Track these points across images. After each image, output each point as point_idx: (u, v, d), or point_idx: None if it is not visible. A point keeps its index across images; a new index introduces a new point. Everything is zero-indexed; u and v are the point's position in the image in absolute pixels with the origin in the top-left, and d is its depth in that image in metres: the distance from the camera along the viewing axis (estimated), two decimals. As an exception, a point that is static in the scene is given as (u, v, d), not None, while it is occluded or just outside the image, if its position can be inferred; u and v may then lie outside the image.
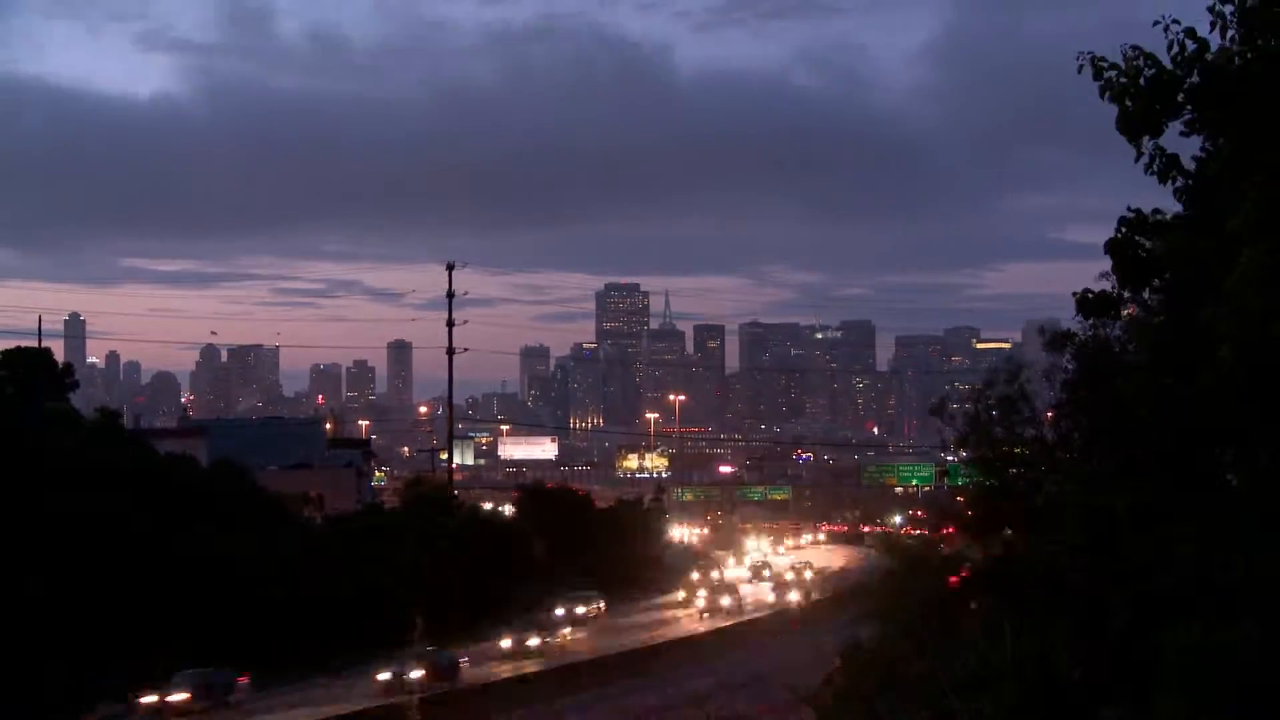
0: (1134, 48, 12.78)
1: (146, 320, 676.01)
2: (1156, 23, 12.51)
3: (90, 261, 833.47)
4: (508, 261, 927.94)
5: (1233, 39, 12.28)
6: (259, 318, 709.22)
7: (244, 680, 60.03)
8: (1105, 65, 12.81)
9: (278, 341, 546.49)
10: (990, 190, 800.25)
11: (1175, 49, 12.51)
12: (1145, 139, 12.84)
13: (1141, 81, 12.63)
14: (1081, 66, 12.88)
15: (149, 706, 55.76)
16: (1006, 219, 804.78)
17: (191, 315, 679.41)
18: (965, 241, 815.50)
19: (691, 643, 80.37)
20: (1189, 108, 12.73)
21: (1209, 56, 12.44)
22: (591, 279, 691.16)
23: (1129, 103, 12.72)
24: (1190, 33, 12.46)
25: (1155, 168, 12.91)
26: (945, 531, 31.79)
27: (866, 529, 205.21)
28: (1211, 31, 12.45)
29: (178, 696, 56.55)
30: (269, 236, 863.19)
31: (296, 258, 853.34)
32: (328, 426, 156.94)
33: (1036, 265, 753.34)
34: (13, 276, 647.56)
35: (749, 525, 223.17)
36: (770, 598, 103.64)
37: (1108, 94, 12.82)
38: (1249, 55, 12.35)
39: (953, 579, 27.68)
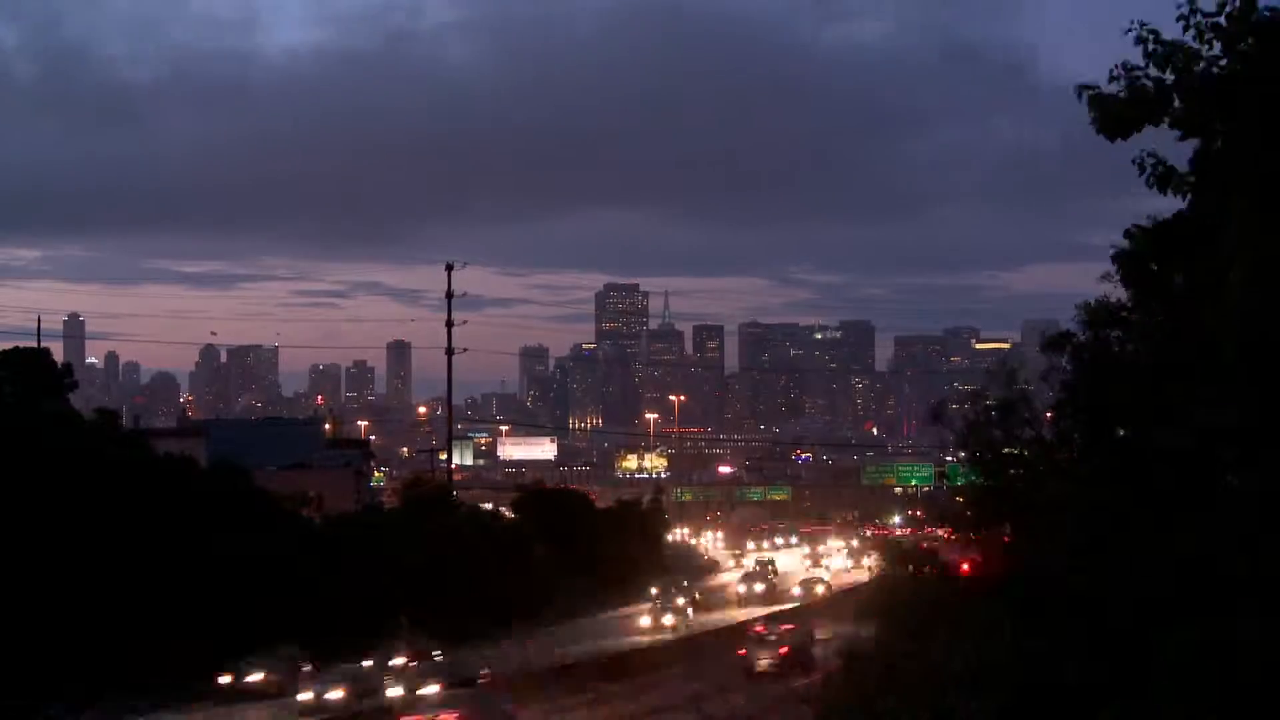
0: (1123, 66, 12.85)
1: (159, 321, 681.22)
2: (1128, 30, 12.57)
3: (113, 262, 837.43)
4: (529, 261, 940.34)
5: (1210, 41, 12.29)
6: (278, 318, 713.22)
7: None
8: (1102, 97, 12.92)
9: (277, 342, 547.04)
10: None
11: (1151, 47, 12.56)
12: (1145, 157, 12.88)
13: (1120, 94, 12.71)
14: (1081, 95, 12.96)
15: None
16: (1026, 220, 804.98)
17: (204, 316, 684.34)
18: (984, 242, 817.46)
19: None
20: (1168, 115, 12.79)
21: (1182, 61, 12.50)
22: (601, 278, 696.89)
23: (1112, 110, 12.80)
24: (1155, 35, 12.53)
25: (1152, 180, 12.94)
26: (942, 533, 31.83)
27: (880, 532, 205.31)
28: (1185, 32, 12.49)
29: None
30: (292, 238, 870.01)
31: (321, 259, 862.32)
32: (327, 427, 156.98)
33: (1056, 266, 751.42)
34: (36, 276, 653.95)
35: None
36: None
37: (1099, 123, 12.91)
38: (1226, 60, 12.38)
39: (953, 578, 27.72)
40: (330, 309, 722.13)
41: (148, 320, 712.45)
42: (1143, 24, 12.53)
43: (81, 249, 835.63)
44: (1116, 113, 12.68)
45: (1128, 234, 13.78)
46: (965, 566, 26.81)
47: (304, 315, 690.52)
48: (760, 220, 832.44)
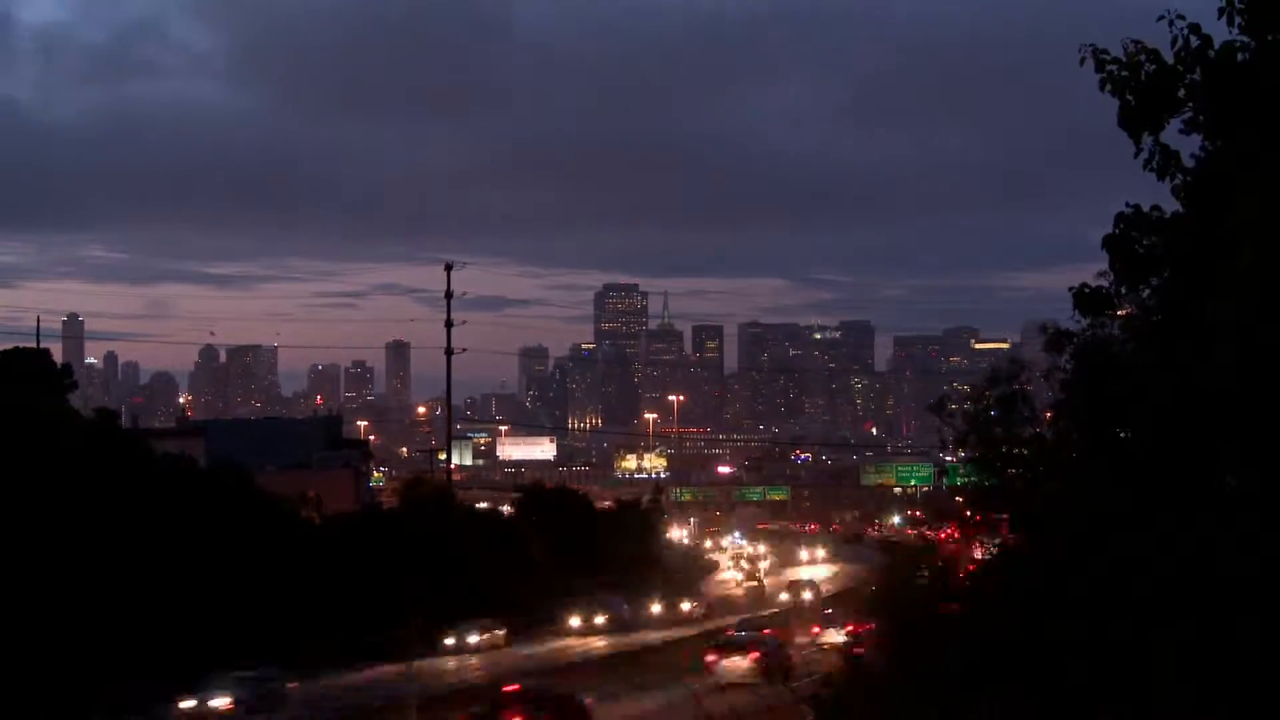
0: (1135, 41, 12.74)
1: (175, 323, 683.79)
2: (1161, 17, 12.48)
3: (137, 264, 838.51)
4: (550, 261, 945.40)
5: (1240, 27, 12.22)
6: (297, 320, 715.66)
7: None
8: (1108, 59, 12.78)
9: (276, 342, 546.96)
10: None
11: (1179, 43, 12.48)
12: (1145, 135, 12.81)
13: (1143, 76, 12.59)
14: (1084, 59, 12.83)
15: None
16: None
17: (220, 317, 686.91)
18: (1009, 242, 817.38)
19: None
20: (1190, 104, 12.69)
21: (1212, 53, 12.40)
22: (619, 278, 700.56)
23: (1130, 97, 12.68)
24: (1194, 28, 12.42)
25: (1154, 164, 12.87)
26: (944, 534, 31.88)
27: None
28: (1220, 19, 12.40)
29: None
30: (318, 239, 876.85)
31: (347, 260, 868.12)
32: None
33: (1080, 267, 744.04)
34: (61, 277, 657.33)
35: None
36: None
37: (1109, 87, 12.78)
38: (1254, 48, 12.32)
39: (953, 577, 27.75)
40: (349, 309, 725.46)
41: (166, 321, 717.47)
42: (1179, 15, 12.45)
43: (106, 249, 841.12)
44: (1140, 107, 12.59)
45: (1119, 217, 13.74)
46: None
47: (321, 316, 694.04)
48: (781, 221, 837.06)
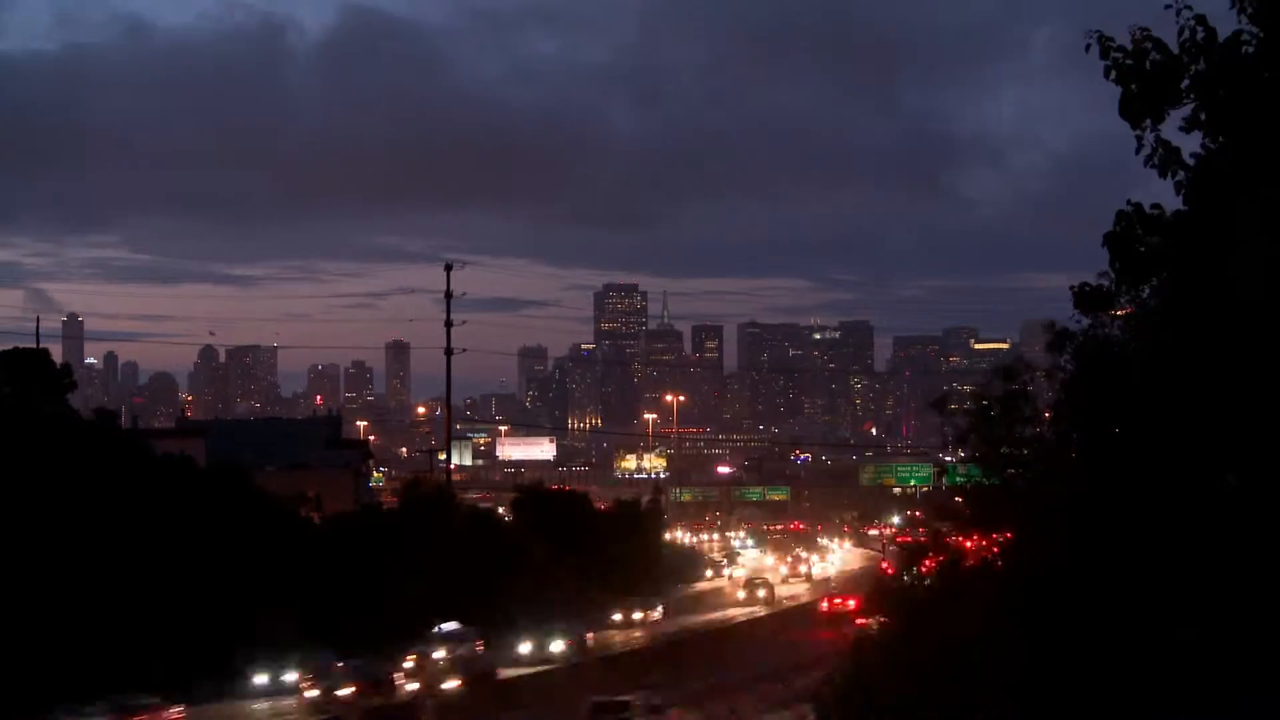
0: (1142, 29, 12.71)
1: (187, 323, 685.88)
2: (1168, 6, 12.45)
3: (158, 264, 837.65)
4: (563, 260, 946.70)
5: (1250, 17, 12.18)
6: (321, 320, 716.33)
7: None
8: (1113, 46, 12.75)
9: (276, 342, 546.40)
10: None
11: (1185, 34, 12.46)
12: (1147, 133, 12.78)
13: (1147, 65, 12.57)
14: (1089, 46, 12.80)
15: None
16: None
17: (242, 319, 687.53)
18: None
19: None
20: (1192, 95, 12.67)
21: (1218, 44, 12.38)
22: (627, 279, 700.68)
23: (1133, 86, 12.66)
24: (1200, 19, 12.39)
25: (1155, 160, 12.84)
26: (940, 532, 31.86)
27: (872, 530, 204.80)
28: (1232, 9, 12.38)
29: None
30: (337, 239, 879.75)
31: (371, 259, 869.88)
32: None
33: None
34: (82, 279, 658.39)
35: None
36: None
37: (1113, 75, 12.76)
38: (1261, 40, 12.29)
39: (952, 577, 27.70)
40: (370, 309, 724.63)
41: (169, 322, 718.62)
42: (1185, 5, 12.41)
43: (128, 250, 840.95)
44: (1142, 95, 12.56)
45: (1119, 214, 13.69)
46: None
47: (341, 316, 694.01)
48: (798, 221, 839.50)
